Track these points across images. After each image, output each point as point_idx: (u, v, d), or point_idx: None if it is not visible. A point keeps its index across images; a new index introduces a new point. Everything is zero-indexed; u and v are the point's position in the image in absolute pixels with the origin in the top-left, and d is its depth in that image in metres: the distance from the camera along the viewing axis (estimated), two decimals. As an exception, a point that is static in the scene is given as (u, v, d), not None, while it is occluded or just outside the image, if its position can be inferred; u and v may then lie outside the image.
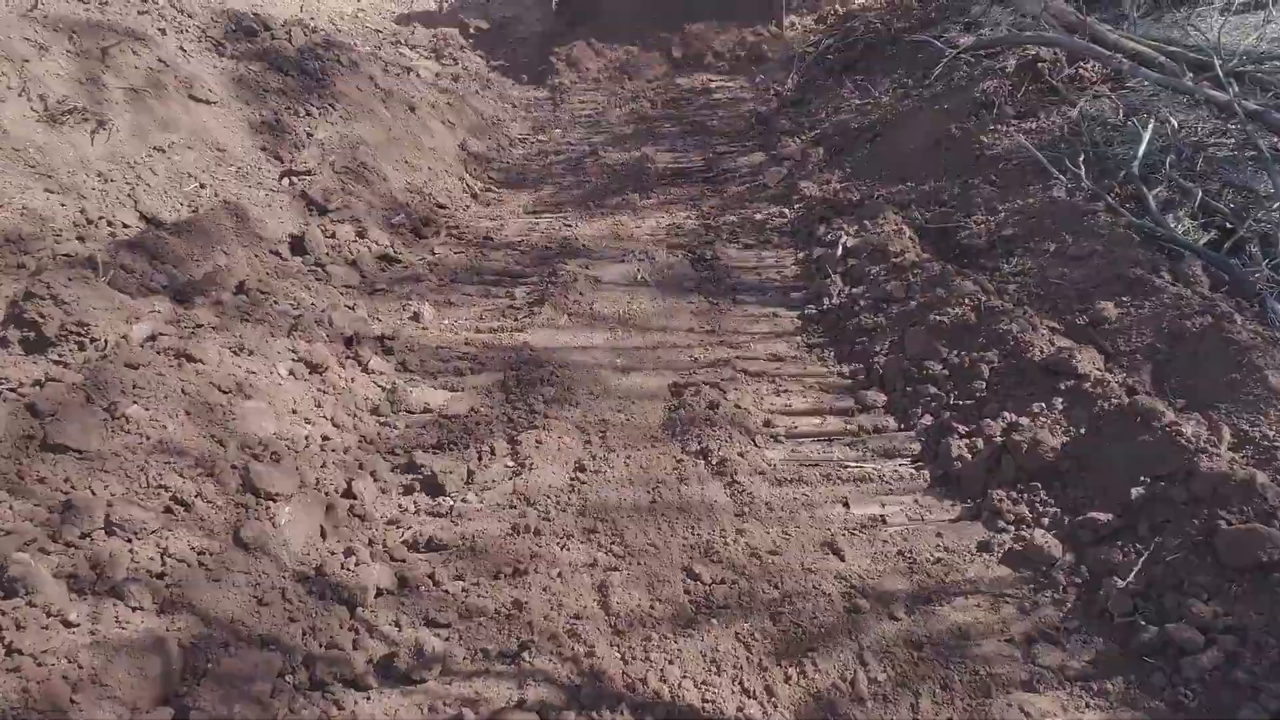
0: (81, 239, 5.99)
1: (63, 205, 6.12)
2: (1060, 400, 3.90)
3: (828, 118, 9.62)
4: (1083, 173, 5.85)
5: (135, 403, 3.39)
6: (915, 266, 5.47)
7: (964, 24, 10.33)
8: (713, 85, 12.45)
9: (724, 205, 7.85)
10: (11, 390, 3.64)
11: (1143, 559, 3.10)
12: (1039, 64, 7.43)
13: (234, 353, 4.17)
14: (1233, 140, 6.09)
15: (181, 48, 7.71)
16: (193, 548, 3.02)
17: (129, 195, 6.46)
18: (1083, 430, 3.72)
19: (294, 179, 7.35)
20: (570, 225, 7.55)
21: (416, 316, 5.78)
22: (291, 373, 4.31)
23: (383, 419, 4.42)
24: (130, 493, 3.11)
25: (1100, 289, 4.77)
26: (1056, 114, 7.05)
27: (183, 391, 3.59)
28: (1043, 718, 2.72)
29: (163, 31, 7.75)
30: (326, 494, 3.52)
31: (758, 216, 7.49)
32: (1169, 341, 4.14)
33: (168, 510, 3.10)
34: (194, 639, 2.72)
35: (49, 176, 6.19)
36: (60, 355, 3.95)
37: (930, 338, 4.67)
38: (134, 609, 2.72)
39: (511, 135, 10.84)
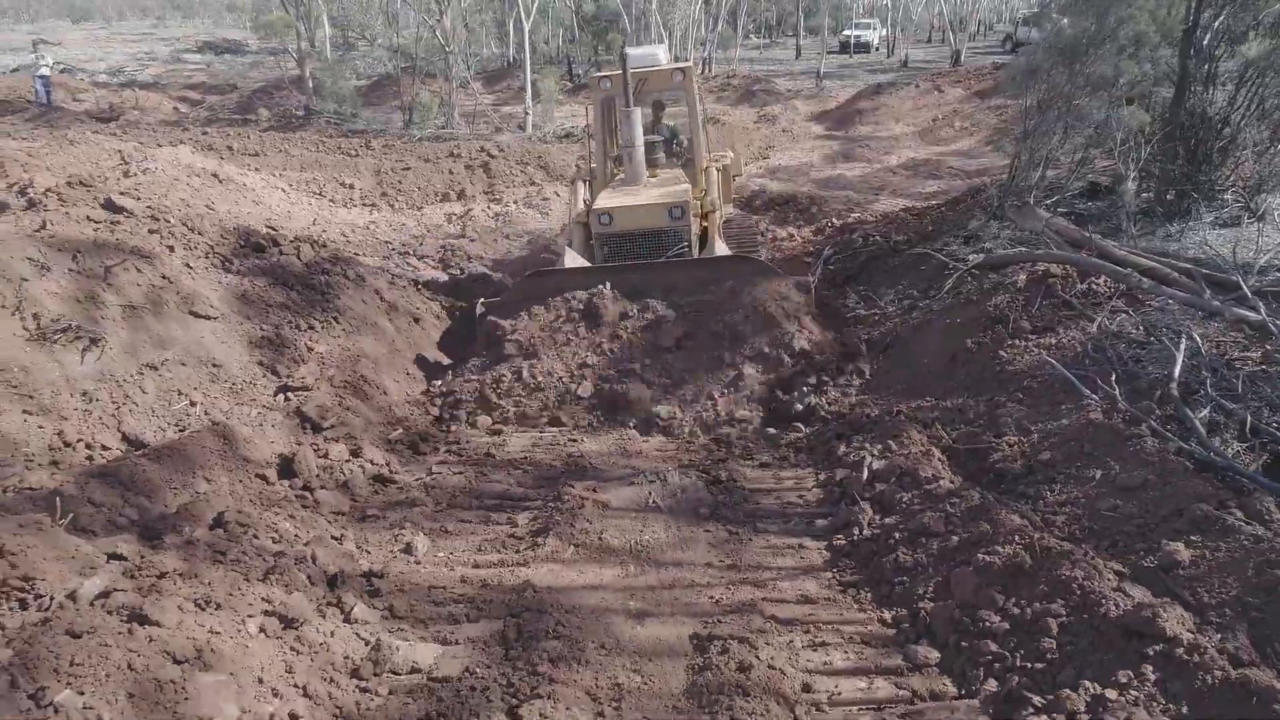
0: (55, 464, 5.61)
1: (40, 428, 5.78)
2: (1150, 668, 3.36)
3: (836, 329, 9.53)
4: (1117, 392, 5.56)
5: (69, 685, 2.86)
6: (952, 495, 5.06)
7: (963, 238, 10.52)
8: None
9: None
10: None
11: None
12: (1050, 279, 7.39)
13: (198, 607, 3.66)
14: (1259, 355, 5.90)
15: (187, 264, 7.68)
16: None
17: (113, 415, 6.15)
18: (1185, 709, 3.16)
19: (290, 395, 7.07)
20: (576, 440, 7.20)
21: (409, 548, 5.28)
22: (262, 629, 3.77)
23: (364, 684, 3.83)
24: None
25: (1162, 525, 4.33)
26: (1075, 329, 6.89)
27: (129, 666, 3.06)
28: None
29: (170, 249, 7.75)
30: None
31: (772, 431, 7.17)
32: (1261, 595, 3.65)
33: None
34: None
35: (30, 397, 5.90)
36: (-3, 616, 3.44)
37: (981, 582, 4.17)
38: None
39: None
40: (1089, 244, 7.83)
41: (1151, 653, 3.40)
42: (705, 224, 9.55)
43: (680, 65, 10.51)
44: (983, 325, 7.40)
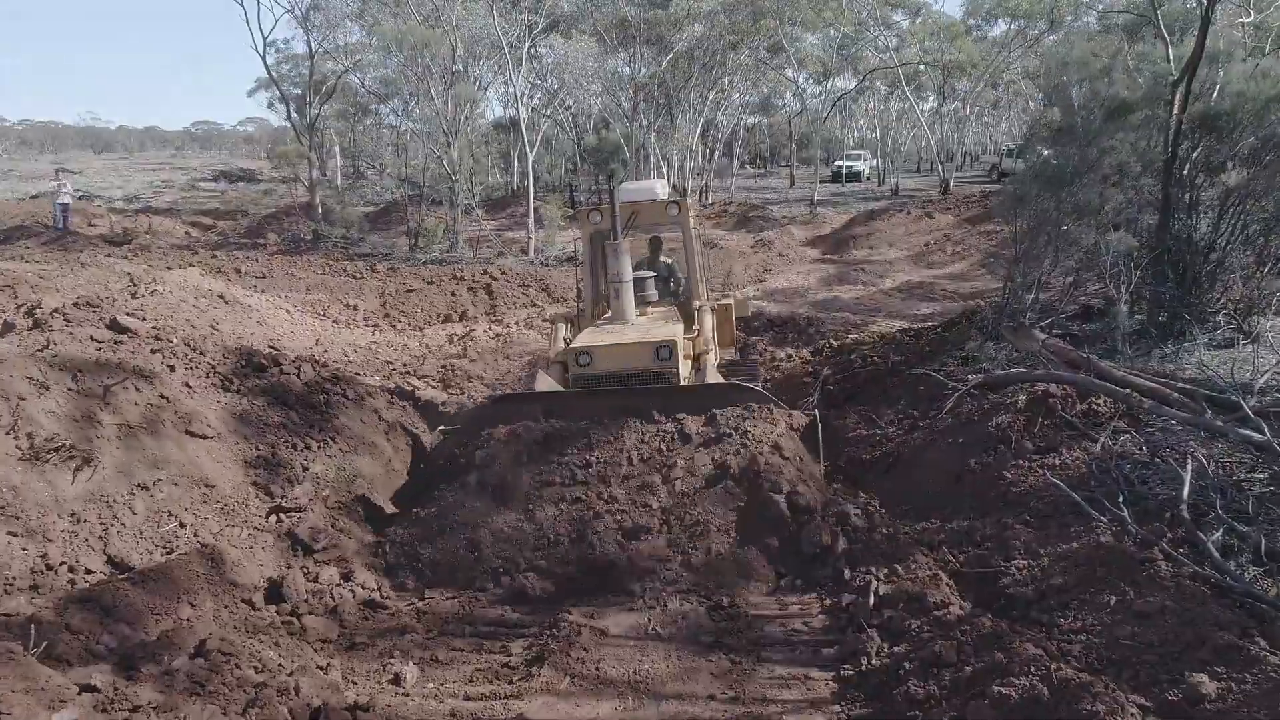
0: (36, 588, 5.45)
1: (24, 549, 5.65)
2: (1185, 813, 3.15)
3: (839, 449, 9.45)
4: (1126, 514, 5.45)
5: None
6: (962, 622, 4.88)
7: (960, 358, 10.58)
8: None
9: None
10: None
11: None
12: (1050, 399, 7.38)
13: (171, 746, 3.46)
14: (1266, 476, 5.83)
15: (187, 384, 7.69)
16: None
17: (100, 537, 6.01)
18: None
19: (282, 516, 6.94)
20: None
21: (397, 679, 5.05)
22: (237, 771, 3.55)
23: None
24: None
25: (1184, 655, 4.16)
26: (1078, 450, 6.83)
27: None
28: None
29: (171, 368, 7.78)
30: None
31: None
32: (1293, 726, 3.47)
33: None
34: None
35: (16, 518, 5.79)
36: (-44, 755, 3.25)
37: (998, 716, 3.96)
38: None
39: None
40: (1086, 364, 7.87)
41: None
42: (697, 366, 8.59)
43: (675, 199, 10.06)
44: (985, 445, 7.35)
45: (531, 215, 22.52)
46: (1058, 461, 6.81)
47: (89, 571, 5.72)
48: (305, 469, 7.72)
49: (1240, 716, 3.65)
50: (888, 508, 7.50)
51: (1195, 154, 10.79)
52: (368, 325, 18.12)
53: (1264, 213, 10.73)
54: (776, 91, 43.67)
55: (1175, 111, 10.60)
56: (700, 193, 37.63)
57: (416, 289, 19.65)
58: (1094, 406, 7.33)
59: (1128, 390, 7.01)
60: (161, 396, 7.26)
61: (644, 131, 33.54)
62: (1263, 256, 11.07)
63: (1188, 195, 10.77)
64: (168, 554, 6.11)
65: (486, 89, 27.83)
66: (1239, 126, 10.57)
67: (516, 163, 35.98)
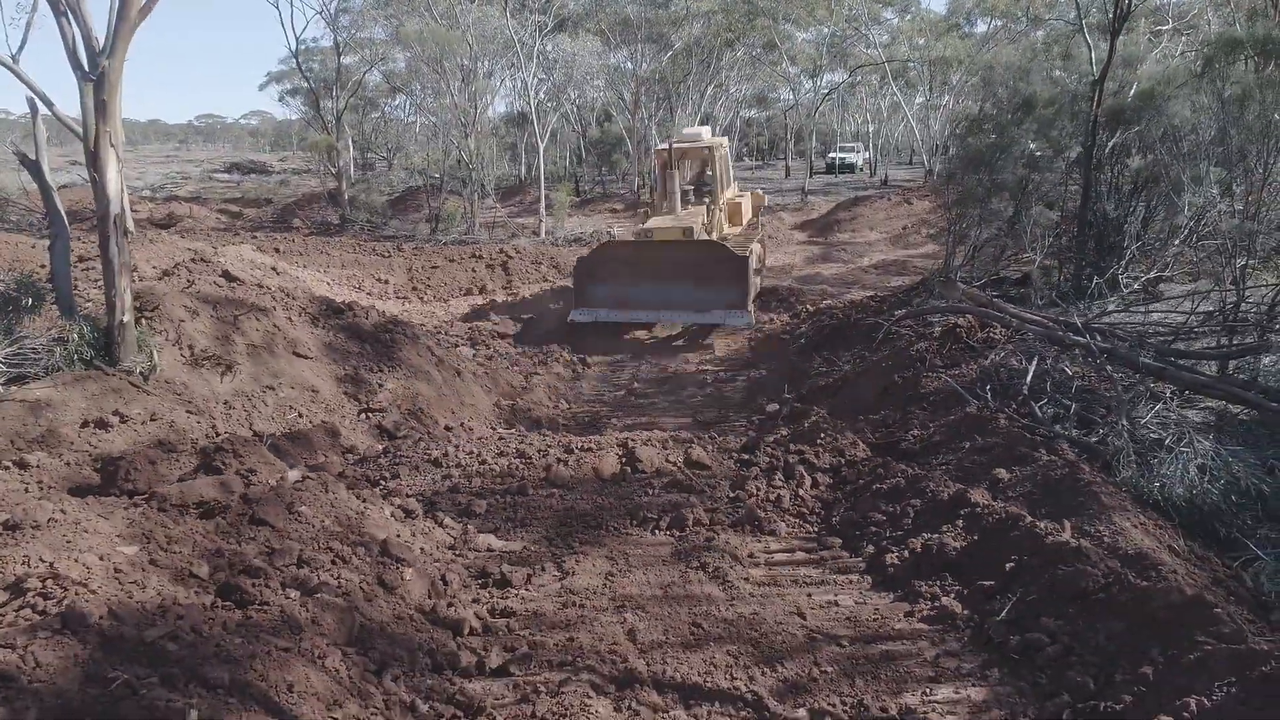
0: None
1: (198, 423, 7.84)
2: (960, 521, 5.35)
3: (803, 384, 11.66)
4: (989, 397, 7.66)
5: (305, 506, 4.85)
6: (865, 460, 7.08)
7: (907, 311, 12.77)
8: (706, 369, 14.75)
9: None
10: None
11: (1011, 602, 4.42)
12: (957, 329, 9.56)
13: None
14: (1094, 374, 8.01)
15: (289, 318, 9.88)
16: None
17: (246, 419, 8.21)
18: (976, 537, 5.14)
19: (369, 414, 9.14)
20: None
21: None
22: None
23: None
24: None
25: (998, 464, 6.36)
26: (974, 364, 9.02)
27: (332, 505, 5.06)
28: (945, 700, 3.93)
29: (274, 309, 9.97)
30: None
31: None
32: (1040, 486, 5.67)
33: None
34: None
35: (190, 403, 7.98)
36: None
37: (873, 499, 6.17)
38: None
39: (538, 398, 12.82)
40: (990, 305, 10.04)
41: (963, 513, 5.40)
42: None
43: (708, 144, 17.56)
44: (907, 365, 9.54)
45: (543, 201, 24.68)
46: (958, 372, 9.01)
47: (244, 440, 7.92)
48: (380, 385, 9.92)
49: (1017, 486, 5.85)
50: (833, 415, 9.72)
51: (1110, 143, 12.96)
52: (398, 297, 20.28)
53: (1163, 193, 12.90)
54: (771, 86, 45.72)
55: (1093, 107, 12.77)
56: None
57: (440, 266, 21.82)
58: (990, 335, 9.51)
59: (1005, 316, 9.19)
60: (274, 325, 9.47)
61: (645, 124, 35.66)
62: (1162, 230, 13.24)
63: (1103, 178, 12.94)
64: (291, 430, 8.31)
65: (500, 84, 29.96)
66: (1143, 120, 12.73)
67: (524, 154, 38.12)
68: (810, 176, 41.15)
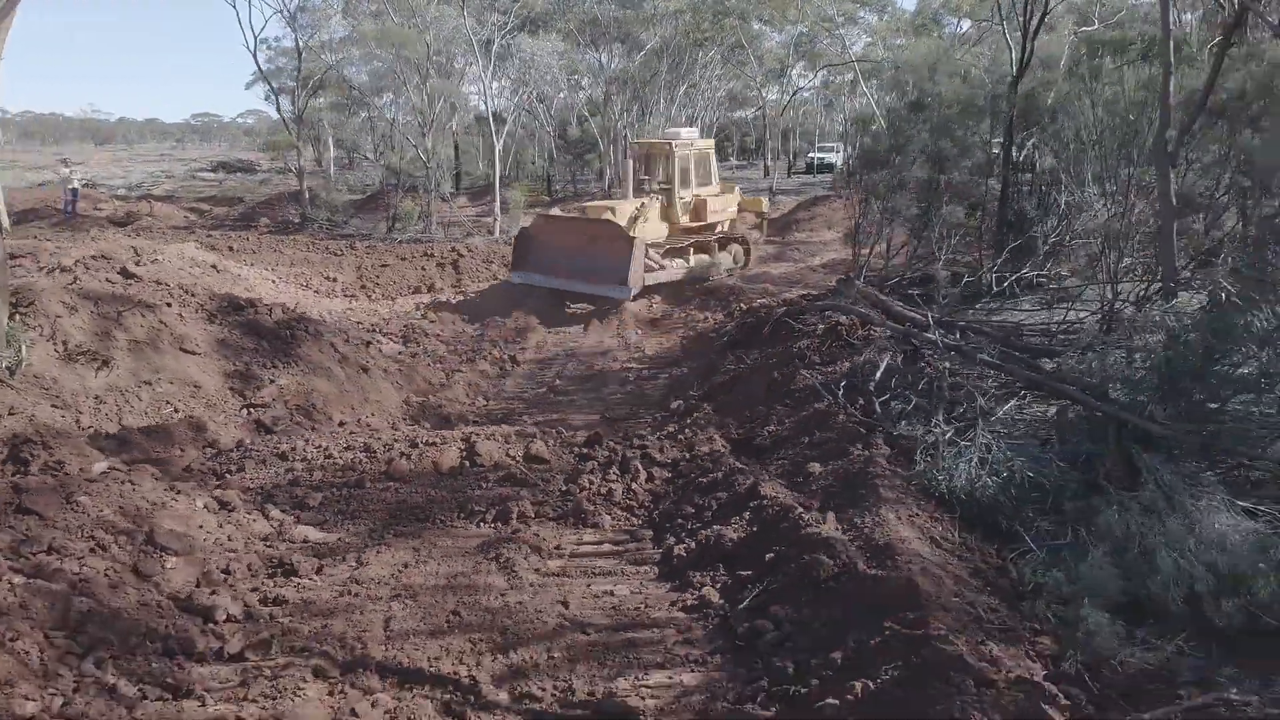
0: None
1: (62, 417, 7.92)
2: (748, 514, 5.45)
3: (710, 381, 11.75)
4: (840, 394, 7.75)
5: (87, 496, 4.96)
6: (709, 455, 7.18)
7: (818, 310, 12.87)
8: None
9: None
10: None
11: (756, 590, 4.52)
12: (839, 326, 9.66)
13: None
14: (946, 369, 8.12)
15: (180, 315, 9.97)
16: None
17: (116, 414, 8.30)
18: (755, 529, 5.24)
19: (252, 409, 9.23)
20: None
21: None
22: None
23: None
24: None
25: (820, 459, 6.45)
26: (848, 361, 9.11)
27: (122, 496, 5.16)
28: (656, 685, 4.03)
29: (168, 304, 10.05)
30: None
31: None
32: (840, 479, 5.77)
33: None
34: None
35: (57, 397, 8.07)
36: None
37: (692, 493, 6.27)
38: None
39: (455, 395, 12.89)
40: (882, 305, 10.13)
41: (752, 505, 5.50)
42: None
43: (666, 142, 19.54)
44: (788, 362, 9.63)
45: (498, 199, 24.79)
46: (832, 369, 9.10)
47: (109, 435, 8.02)
48: (271, 381, 10.00)
49: (825, 479, 5.95)
50: (720, 411, 9.82)
51: (1030, 143, 13.07)
52: (345, 295, 20.35)
53: (1071, 194, 12.99)
54: (746, 86, 45.81)
55: (1007, 108, 12.87)
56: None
57: (391, 264, 21.90)
58: (870, 333, 9.61)
59: (874, 315, 9.28)
60: (161, 322, 9.55)
61: (616, 124, 35.75)
62: (1069, 229, 13.34)
63: (1019, 177, 13.05)
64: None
65: (468, 84, 30.02)
66: (1055, 120, 12.82)
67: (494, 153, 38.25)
68: (788, 176, 41.28)
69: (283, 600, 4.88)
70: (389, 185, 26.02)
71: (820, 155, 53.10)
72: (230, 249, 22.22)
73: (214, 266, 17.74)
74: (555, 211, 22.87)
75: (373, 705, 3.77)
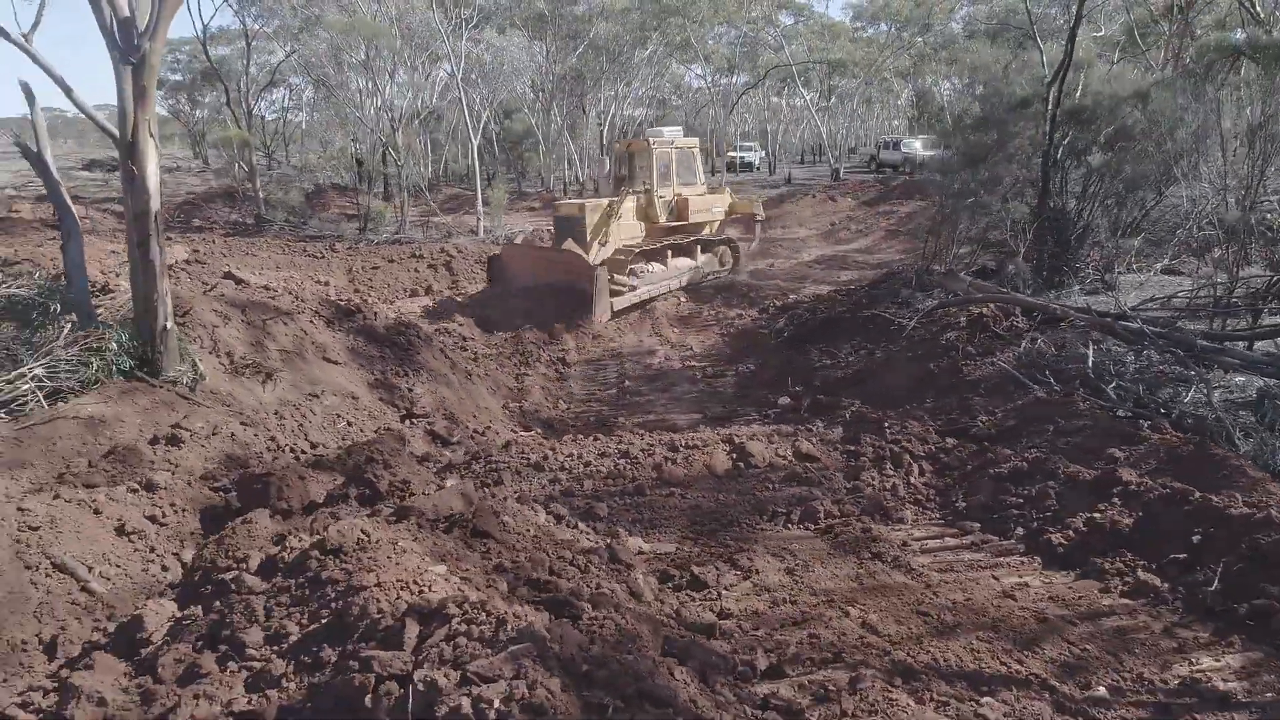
0: (275, 459, 7.11)
1: (255, 435, 7.27)
2: (1117, 499, 5.58)
3: (811, 376, 11.83)
4: (1051, 381, 8.00)
5: (506, 516, 4.58)
6: (957, 447, 7.27)
7: (897, 304, 13.19)
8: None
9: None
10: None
11: (1219, 572, 4.64)
12: (984, 318, 9.95)
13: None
14: (1135, 360, 8.53)
15: (313, 322, 9.29)
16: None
17: (300, 429, 7.67)
18: (1139, 513, 5.38)
19: (414, 420, 8.70)
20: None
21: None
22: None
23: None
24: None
25: (1102, 445, 6.66)
26: (1007, 351, 9.40)
27: (518, 513, 4.80)
28: (1211, 669, 4.09)
29: (298, 312, 9.35)
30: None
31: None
32: (1168, 462, 5.98)
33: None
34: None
35: (241, 414, 7.40)
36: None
37: (994, 483, 6.35)
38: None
39: (538, 400, 12.52)
40: (1005, 296, 10.51)
41: (1115, 491, 5.63)
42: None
43: (647, 139, 19.05)
44: (940, 354, 9.84)
45: (480, 198, 24.09)
46: (993, 360, 9.37)
47: (304, 451, 7.40)
48: (410, 390, 9.46)
49: (1140, 464, 6.15)
50: (869, 403, 9.92)
51: (1065, 141, 13.76)
52: (341, 299, 19.36)
53: (1117, 189, 13.81)
54: (675, 87, 46.25)
55: (1050, 107, 13.53)
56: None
57: (380, 266, 20.96)
58: (1014, 324, 9.94)
59: (1050, 306, 9.64)
60: (301, 330, 8.87)
61: (555, 124, 35.40)
62: (1116, 223, 14.18)
63: (1060, 175, 13.73)
64: (347, 441, 7.82)
65: (414, 78, 28.92)
66: (1097, 119, 13.57)
67: (429, 152, 37.13)
68: (712, 174, 41.79)
69: (728, 613, 4.66)
70: (359, 181, 24.83)
71: (741, 154, 54.20)
72: (196, 252, 20.74)
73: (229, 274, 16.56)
74: (519, 240, 21.98)
75: (989, 712, 3.68)
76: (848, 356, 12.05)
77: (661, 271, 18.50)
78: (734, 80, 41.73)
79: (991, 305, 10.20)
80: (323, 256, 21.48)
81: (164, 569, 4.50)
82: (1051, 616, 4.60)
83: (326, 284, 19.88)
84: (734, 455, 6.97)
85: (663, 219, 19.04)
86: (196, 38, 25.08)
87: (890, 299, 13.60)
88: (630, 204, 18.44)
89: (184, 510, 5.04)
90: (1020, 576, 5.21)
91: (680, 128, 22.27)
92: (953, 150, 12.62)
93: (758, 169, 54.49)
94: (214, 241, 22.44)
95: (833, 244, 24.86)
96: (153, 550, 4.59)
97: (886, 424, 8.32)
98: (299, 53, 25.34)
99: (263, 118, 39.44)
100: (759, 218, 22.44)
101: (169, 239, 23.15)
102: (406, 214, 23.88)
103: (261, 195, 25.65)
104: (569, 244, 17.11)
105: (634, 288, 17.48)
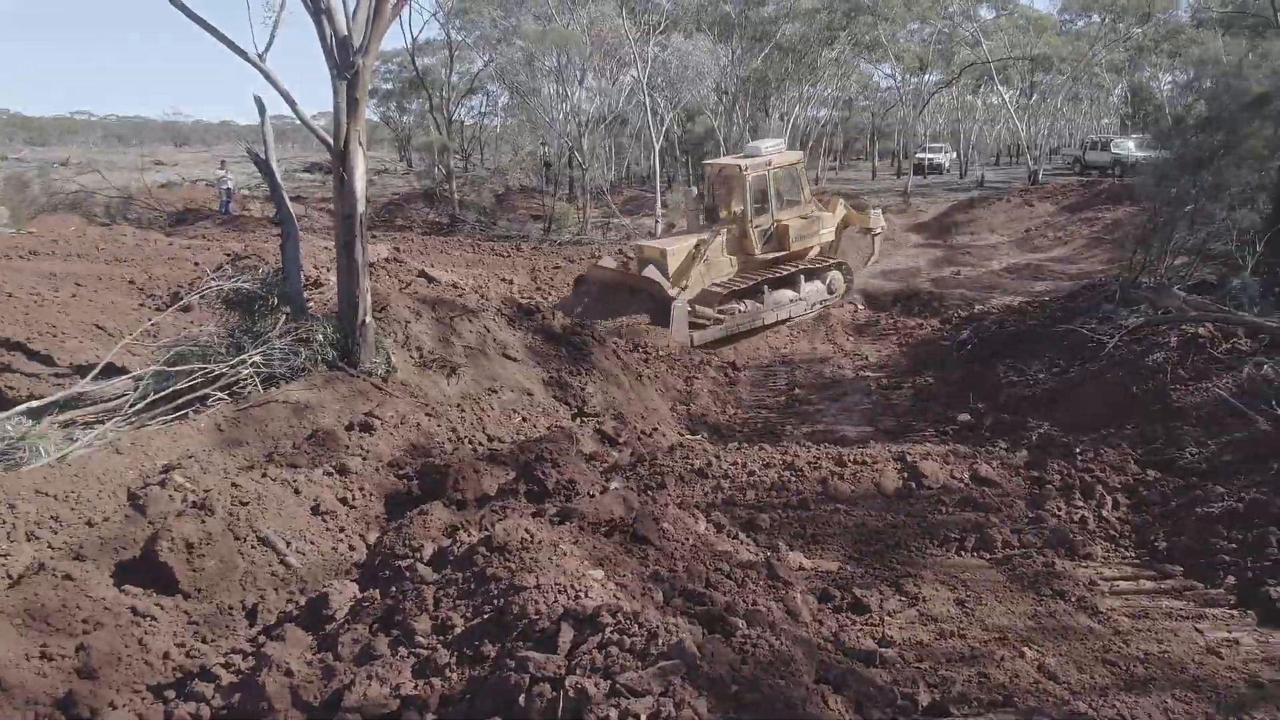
0: (454, 450, 7.51)
1: (438, 426, 7.71)
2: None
3: (996, 393, 11.15)
4: (1279, 413, 7.13)
5: (665, 523, 4.63)
6: (1160, 480, 6.63)
7: (1097, 319, 12.18)
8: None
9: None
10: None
11: None
12: (1199, 339, 9.01)
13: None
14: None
15: (493, 319, 9.75)
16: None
17: (478, 422, 8.06)
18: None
19: (585, 419, 8.95)
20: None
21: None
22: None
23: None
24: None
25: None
26: (1226, 377, 8.46)
27: (677, 519, 4.83)
28: None
29: (483, 310, 9.85)
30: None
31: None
32: None
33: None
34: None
35: (426, 405, 7.86)
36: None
37: (1204, 524, 5.73)
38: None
39: (706, 404, 12.56)
40: (1224, 315, 9.46)
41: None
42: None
43: (738, 163, 16.79)
44: (1145, 376, 9.01)
45: (659, 200, 24.49)
46: (1207, 385, 8.46)
47: (480, 444, 7.78)
48: (582, 389, 9.73)
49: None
50: (1061, 428, 9.23)
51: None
52: (523, 297, 20.22)
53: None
54: (867, 88, 45.02)
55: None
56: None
57: (562, 266, 21.75)
58: (1236, 345, 8.94)
59: (1275, 326, 8.60)
60: (484, 328, 9.34)
61: (737, 126, 35.30)
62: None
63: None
64: (520, 435, 8.15)
65: (601, 83, 29.80)
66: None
67: (613, 156, 38.06)
68: (898, 177, 40.35)
69: (890, 641, 4.48)
70: (546, 184, 25.88)
71: (929, 156, 51.94)
72: (398, 249, 22.27)
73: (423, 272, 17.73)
74: (605, 261, 18.94)
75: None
76: (1038, 374, 11.25)
77: (755, 309, 16.44)
78: (925, 79, 40.03)
79: (1209, 325, 9.20)
80: (508, 256, 22.54)
81: (351, 549, 4.87)
82: (1267, 681, 4.10)
83: (511, 282, 20.85)
84: (905, 474, 6.69)
85: (759, 251, 16.83)
86: (406, 49, 26.95)
87: (1090, 314, 12.57)
88: (719, 241, 16.43)
89: (371, 495, 5.43)
90: (1230, 631, 4.68)
91: (782, 141, 20.11)
92: (1171, 152, 11.47)
93: (948, 171, 52.06)
94: (412, 239, 24.08)
95: (1027, 252, 23.35)
96: (342, 530, 4.98)
97: (1078, 450, 7.73)
98: (496, 61, 26.74)
99: (461, 123, 41.95)
100: (875, 231, 20.06)
101: (373, 237, 25.15)
102: (588, 215, 24.60)
103: (456, 197, 27.20)
104: (650, 270, 15.53)
105: (719, 321, 15.80)
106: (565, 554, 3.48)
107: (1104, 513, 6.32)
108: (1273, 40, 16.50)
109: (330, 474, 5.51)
